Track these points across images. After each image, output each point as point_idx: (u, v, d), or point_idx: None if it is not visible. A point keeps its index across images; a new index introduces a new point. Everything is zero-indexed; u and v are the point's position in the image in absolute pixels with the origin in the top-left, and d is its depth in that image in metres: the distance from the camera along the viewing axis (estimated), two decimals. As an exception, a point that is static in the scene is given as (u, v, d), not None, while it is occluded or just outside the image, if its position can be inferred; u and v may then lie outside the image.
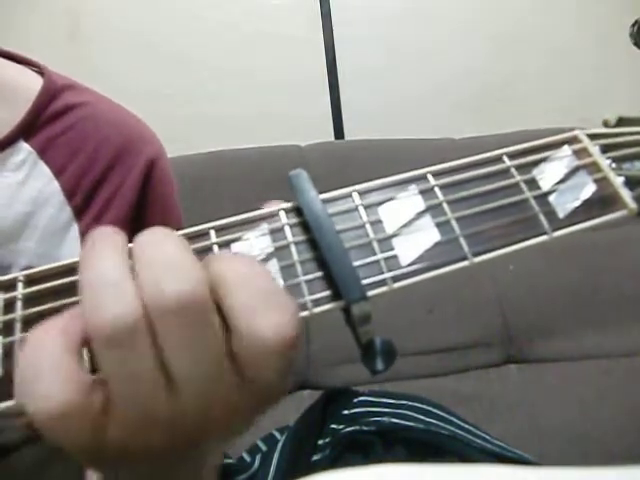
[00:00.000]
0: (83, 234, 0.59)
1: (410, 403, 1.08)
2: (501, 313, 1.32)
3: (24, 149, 0.58)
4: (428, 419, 1.03)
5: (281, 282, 0.30)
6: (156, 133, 0.70)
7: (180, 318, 0.26)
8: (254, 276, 0.27)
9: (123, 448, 0.27)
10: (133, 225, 0.62)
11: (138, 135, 0.66)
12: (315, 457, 0.98)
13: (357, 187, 0.32)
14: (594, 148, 0.32)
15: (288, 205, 0.32)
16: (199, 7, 1.82)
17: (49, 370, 0.25)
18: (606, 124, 0.33)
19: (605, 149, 0.32)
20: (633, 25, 0.65)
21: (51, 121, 0.60)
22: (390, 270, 0.30)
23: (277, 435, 1.09)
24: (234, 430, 0.30)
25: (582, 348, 1.30)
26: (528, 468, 0.25)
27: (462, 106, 1.83)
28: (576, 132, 0.32)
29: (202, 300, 0.26)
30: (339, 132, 1.84)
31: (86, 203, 0.60)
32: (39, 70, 0.63)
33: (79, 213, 0.59)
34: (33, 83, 0.61)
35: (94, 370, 0.27)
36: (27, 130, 0.58)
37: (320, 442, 1.00)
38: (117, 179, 0.62)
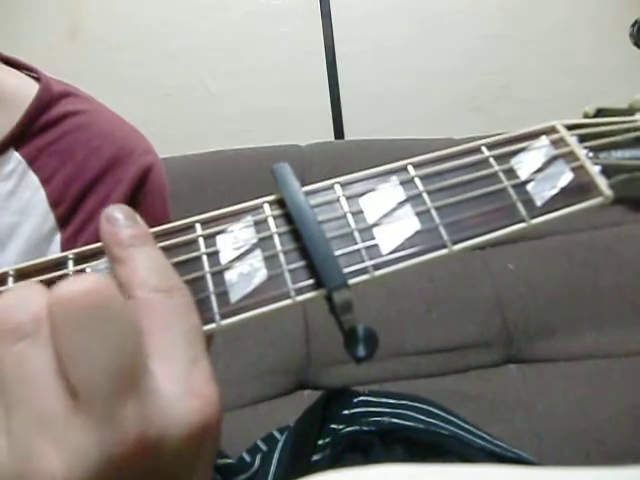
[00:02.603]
0: (64, 245, 0.58)
1: (410, 403, 1.08)
2: (501, 313, 1.32)
3: (14, 158, 0.57)
4: (428, 419, 1.03)
5: (265, 272, 0.30)
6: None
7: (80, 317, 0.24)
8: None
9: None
10: None
11: (132, 147, 0.64)
12: (315, 457, 0.98)
13: (339, 179, 0.33)
14: (571, 138, 0.32)
15: (272, 197, 0.32)
16: (199, 7, 1.82)
17: None
18: (586, 115, 0.33)
19: (582, 139, 0.32)
20: (633, 25, 0.66)
21: (44, 130, 0.59)
22: (371, 259, 0.30)
23: (277, 435, 1.09)
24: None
25: (582, 348, 1.30)
26: (528, 468, 0.26)
27: (462, 106, 1.83)
28: (554, 122, 0.33)
29: (108, 295, 0.25)
30: (339, 132, 1.84)
31: (70, 213, 0.59)
32: (37, 76, 0.62)
33: (63, 223, 0.58)
34: (29, 90, 0.60)
35: None
36: (19, 139, 0.57)
37: (320, 442, 1.01)
38: (104, 191, 0.61)
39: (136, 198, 0.63)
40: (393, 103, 1.83)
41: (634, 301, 1.30)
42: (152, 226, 0.66)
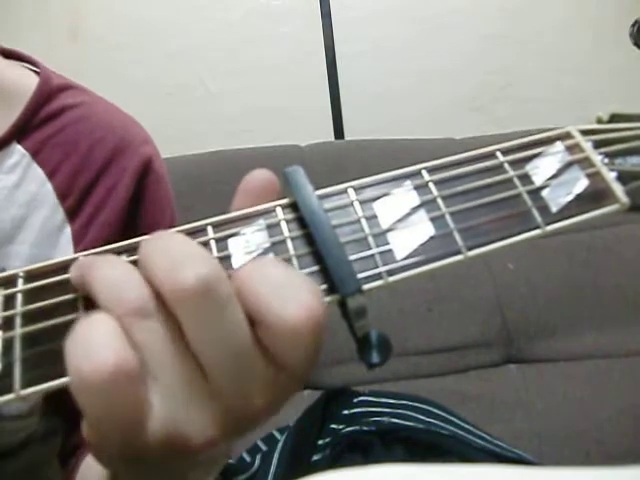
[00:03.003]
0: (76, 236, 0.59)
1: (410, 403, 1.08)
2: (501, 313, 1.32)
3: (18, 151, 0.57)
4: (428, 419, 1.03)
5: None
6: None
7: (200, 302, 0.26)
8: (273, 265, 0.28)
9: (162, 439, 0.27)
10: (126, 226, 0.62)
11: (132, 137, 0.65)
12: (315, 457, 0.99)
13: (352, 183, 0.32)
14: (587, 144, 0.32)
15: (284, 201, 0.32)
16: (199, 7, 1.82)
17: (103, 334, 0.26)
18: (599, 121, 0.33)
19: (598, 145, 0.32)
20: (633, 25, 0.66)
21: (45, 123, 0.60)
22: (385, 264, 0.30)
23: (277, 435, 1.09)
24: (263, 420, 0.30)
25: (582, 348, 1.30)
26: (528, 468, 0.25)
27: (462, 106, 1.83)
28: (569, 128, 0.33)
29: (222, 282, 0.27)
30: (339, 132, 1.84)
31: (79, 204, 0.60)
32: (36, 69, 0.63)
33: (72, 214, 0.59)
34: (29, 83, 0.60)
35: None
36: (21, 132, 0.58)
37: (320, 442, 1.01)
38: (110, 181, 0.61)
39: (141, 187, 0.64)
40: (393, 103, 1.83)
41: (634, 301, 1.31)
42: (157, 213, 0.67)
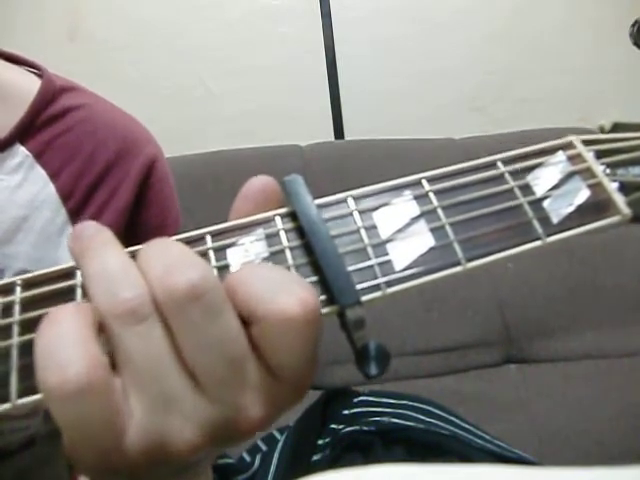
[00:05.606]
0: None
1: (410, 403, 1.08)
2: (501, 313, 1.32)
3: (20, 152, 0.57)
4: (428, 419, 1.03)
5: None
6: (156, 133, 0.70)
7: (191, 307, 0.26)
8: (263, 266, 0.29)
9: (142, 449, 0.26)
10: (130, 227, 0.62)
11: (135, 138, 0.65)
12: (315, 457, 0.98)
13: (352, 192, 0.32)
14: (588, 154, 0.32)
15: (283, 210, 0.32)
16: (199, 7, 1.82)
17: (69, 343, 0.25)
18: (601, 130, 0.33)
19: (599, 155, 0.32)
20: (633, 25, 0.66)
21: (48, 124, 0.60)
22: (384, 275, 0.30)
23: (277, 435, 1.09)
24: (256, 432, 0.29)
25: (582, 348, 1.30)
26: (528, 468, 0.25)
27: (462, 106, 1.83)
28: (570, 138, 0.32)
29: (214, 287, 0.26)
30: (339, 132, 1.84)
31: (82, 206, 0.60)
32: (38, 72, 0.63)
33: (74, 216, 0.59)
34: (31, 85, 0.60)
35: None
36: (24, 133, 0.58)
37: (320, 442, 1.01)
38: (114, 182, 0.62)
39: (145, 188, 0.64)
40: (393, 103, 1.83)
41: (634, 301, 1.31)
42: (161, 214, 0.67)
